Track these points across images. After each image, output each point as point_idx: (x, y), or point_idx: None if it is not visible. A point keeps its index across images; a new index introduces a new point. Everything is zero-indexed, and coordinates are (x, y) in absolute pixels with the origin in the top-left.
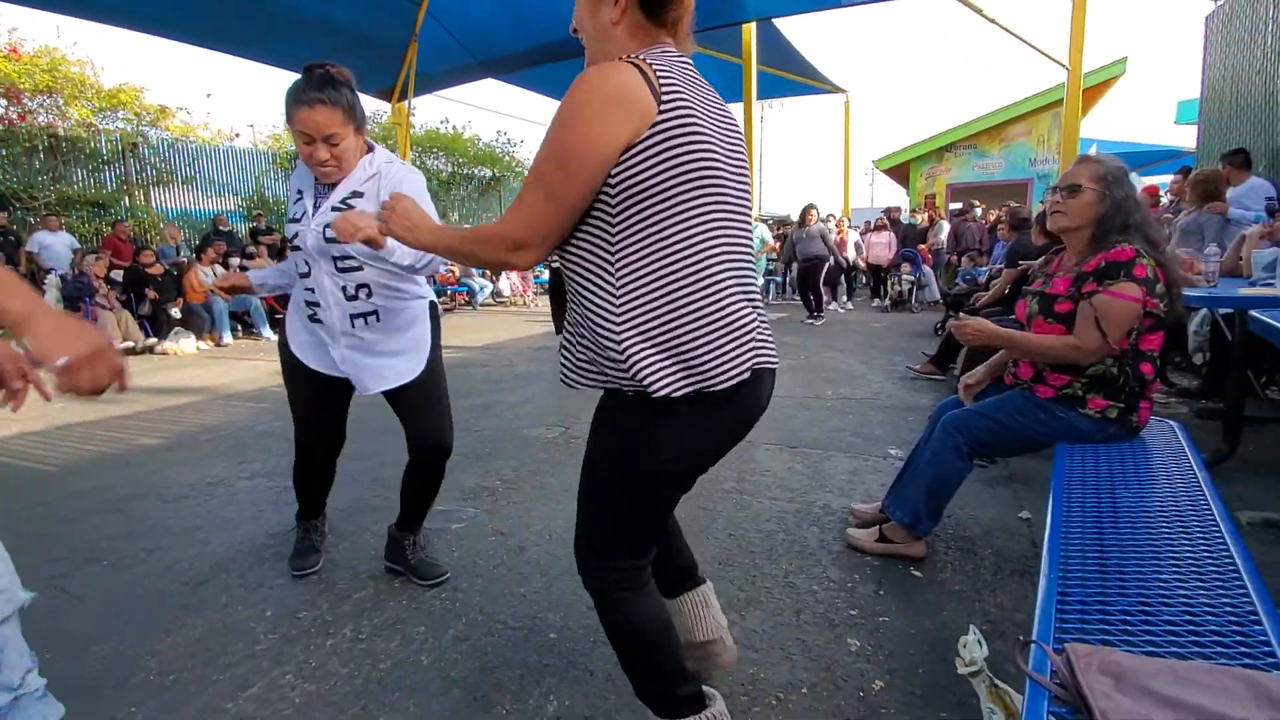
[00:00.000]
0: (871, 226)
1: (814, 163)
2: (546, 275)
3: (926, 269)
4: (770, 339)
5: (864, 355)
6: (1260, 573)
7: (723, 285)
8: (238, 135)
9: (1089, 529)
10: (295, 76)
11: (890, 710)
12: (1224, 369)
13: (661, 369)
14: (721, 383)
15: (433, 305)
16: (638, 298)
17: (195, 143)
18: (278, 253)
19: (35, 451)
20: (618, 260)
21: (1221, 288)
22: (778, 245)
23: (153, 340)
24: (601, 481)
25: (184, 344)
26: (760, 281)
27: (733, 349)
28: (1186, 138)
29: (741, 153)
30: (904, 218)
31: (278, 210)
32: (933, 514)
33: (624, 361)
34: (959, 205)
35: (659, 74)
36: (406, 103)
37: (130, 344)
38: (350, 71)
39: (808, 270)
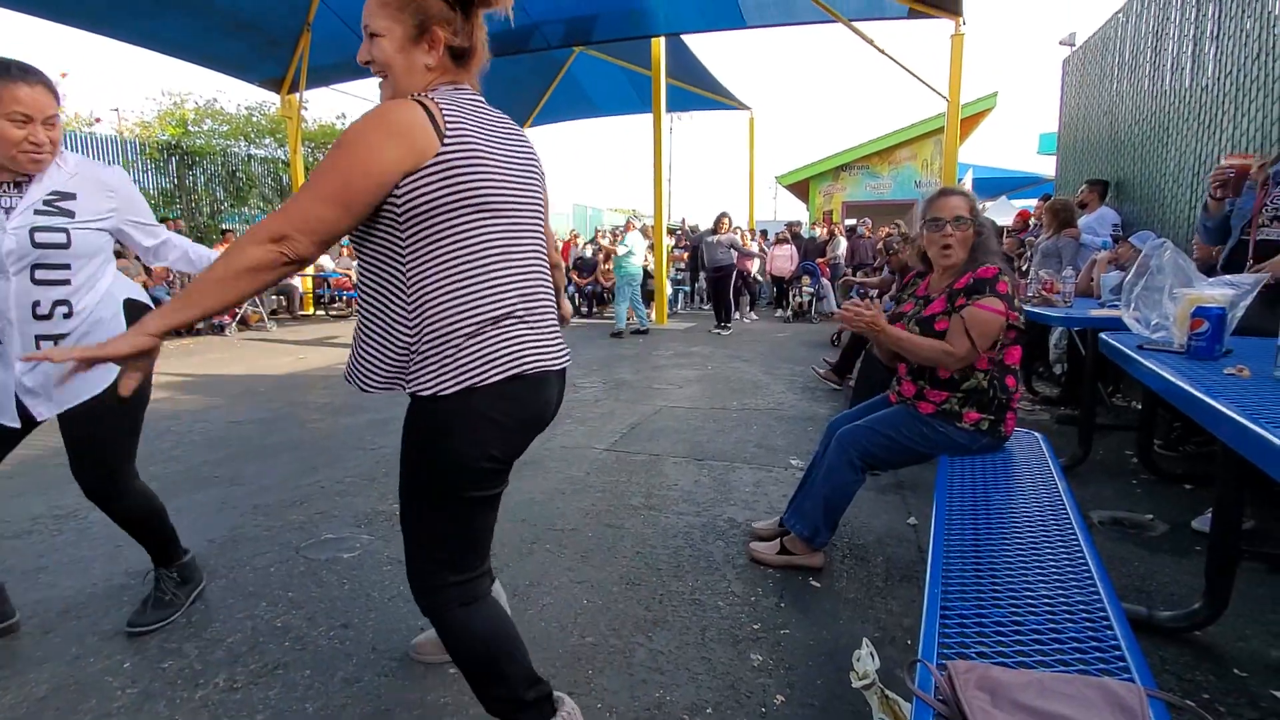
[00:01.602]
0: (775, 240)
1: (721, 175)
2: None
3: (825, 282)
4: (553, 344)
5: (767, 365)
6: (1110, 568)
7: (496, 295)
8: (98, 120)
9: (967, 542)
10: (165, 59)
11: None
12: (1078, 380)
13: (436, 368)
14: (490, 377)
15: (130, 304)
16: (426, 305)
17: None
18: None
19: None
20: (409, 273)
21: (1076, 307)
22: (684, 256)
23: None
24: (409, 494)
25: None
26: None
27: (501, 349)
28: (1048, 166)
29: (531, 174)
30: (804, 232)
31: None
32: (830, 525)
33: (413, 363)
34: (853, 222)
35: (445, 113)
36: (298, 95)
37: None
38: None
39: (718, 279)
